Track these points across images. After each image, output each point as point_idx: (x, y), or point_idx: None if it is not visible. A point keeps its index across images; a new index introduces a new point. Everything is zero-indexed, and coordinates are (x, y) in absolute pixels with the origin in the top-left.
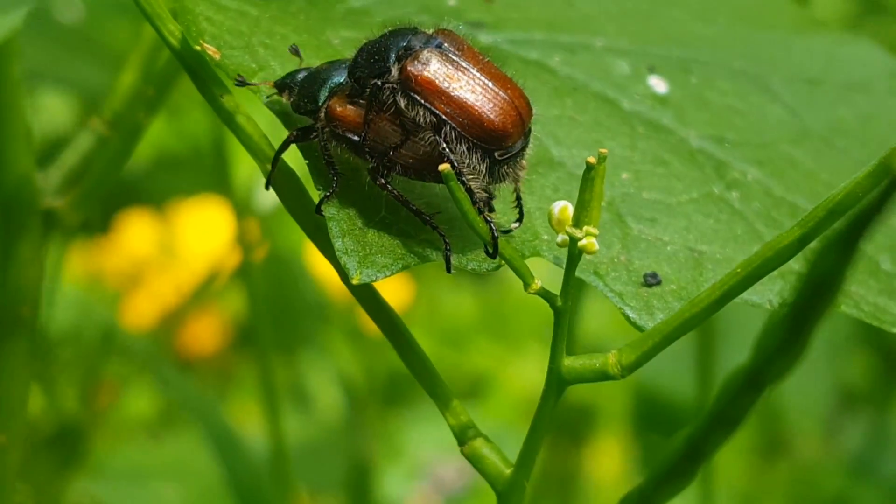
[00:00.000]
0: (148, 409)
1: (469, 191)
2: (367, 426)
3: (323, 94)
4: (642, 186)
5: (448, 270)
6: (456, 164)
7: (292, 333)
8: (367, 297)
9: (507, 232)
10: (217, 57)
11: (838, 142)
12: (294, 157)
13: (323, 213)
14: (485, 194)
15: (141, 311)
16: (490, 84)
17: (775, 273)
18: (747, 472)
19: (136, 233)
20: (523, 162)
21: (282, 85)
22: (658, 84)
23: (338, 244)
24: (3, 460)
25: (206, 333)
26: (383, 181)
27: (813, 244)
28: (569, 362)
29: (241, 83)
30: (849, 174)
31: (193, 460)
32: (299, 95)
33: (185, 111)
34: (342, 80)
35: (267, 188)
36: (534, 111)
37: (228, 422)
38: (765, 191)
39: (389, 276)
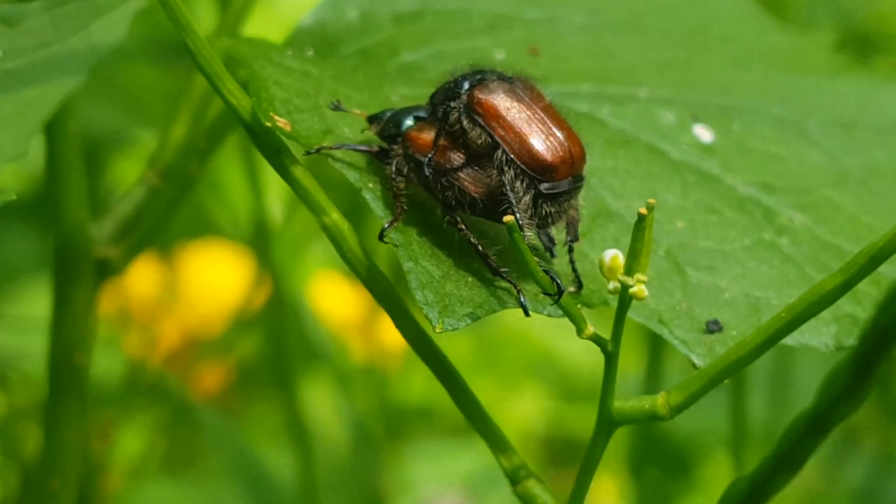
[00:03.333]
0: (138, 449)
1: (523, 234)
2: (376, 461)
3: (405, 123)
4: (697, 235)
5: (526, 314)
6: (517, 210)
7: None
8: (422, 346)
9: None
10: (288, 129)
11: (875, 184)
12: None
13: (387, 241)
14: (544, 241)
15: (147, 352)
16: (546, 120)
17: (829, 317)
18: None
19: (142, 275)
20: (573, 206)
21: (373, 117)
22: (703, 133)
23: (419, 296)
24: None
25: (210, 373)
26: (454, 218)
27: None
28: (619, 404)
29: (312, 152)
30: (887, 215)
31: (217, 498)
32: (387, 123)
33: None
34: (423, 114)
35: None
36: (587, 160)
37: (261, 460)
38: (811, 235)
39: (470, 323)
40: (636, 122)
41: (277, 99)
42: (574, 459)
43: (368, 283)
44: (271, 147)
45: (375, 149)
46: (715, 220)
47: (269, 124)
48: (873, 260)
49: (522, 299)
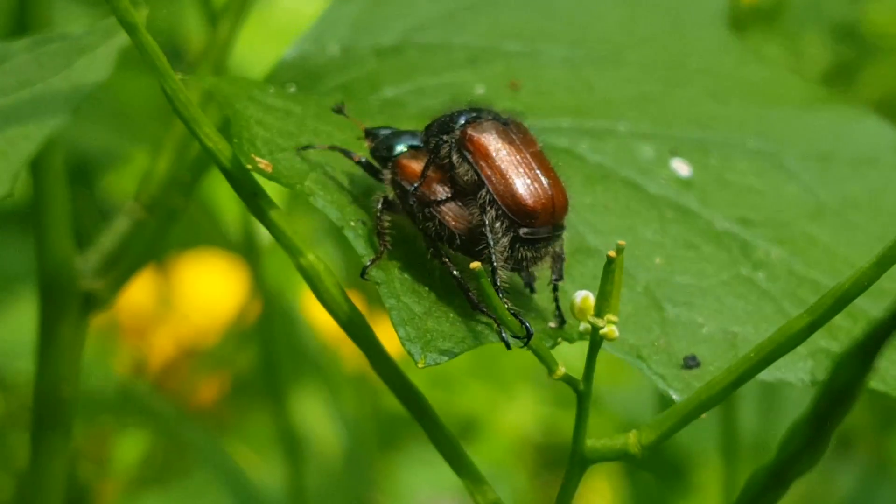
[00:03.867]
0: (131, 461)
1: (496, 275)
2: (369, 469)
3: (398, 147)
4: (675, 271)
5: (507, 348)
6: (494, 250)
7: (289, 379)
8: (399, 386)
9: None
10: (269, 170)
11: (851, 216)
12: None
13: (369, 279)
14: (525, 278)
15: (140, 364)
16: (534, 165)
17: (805, 352)
18: None
19: (136, 287)
20: (553, 250)
21: (370, 132)
22: (681, 167)
23: (401, 333)
24: None
25: (205, 385)
26: (437, 250)
27: (847, 322)
28: (591, 443)
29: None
30: (864, 248)
31: None
32: (380, 144)
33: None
34: (417, 142)
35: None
36: (568, 209)
37: (246, 473)
38: (788, 269)
39: (452, 358)
40: (615, 156)
41: (259, 139)
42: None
43: (344, 325)
44: (247, 190)
45: (359, 158)
46: (692, 256)
47: (249, 167)
48: (840, 301)
49: (504, 335)
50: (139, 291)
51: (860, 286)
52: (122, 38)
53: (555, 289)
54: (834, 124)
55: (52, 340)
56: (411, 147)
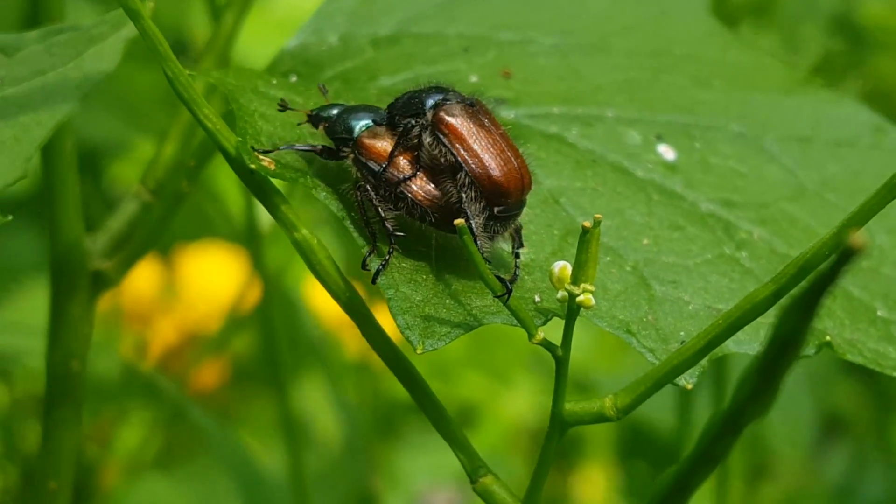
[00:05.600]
0: (134, 445)
1: (477, 242)
2: (368, 456)
3: (357, 127)
4: (661, 251)
5: (494, 295)
6: (472, 219)
7: (290, 366)
8: (388, 354)
9: (513, 281)
10: (272, 168)
11: (830, 196)
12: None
13: (369, 269)
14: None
15: (145, 351)
16: (504, 147)
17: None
18: (733, 498)
19: (140, 275)
20: (515, 224)
21: (317, 117)
22: (667, 152)
23: (399, 321)
24: None
25: (206, 371)
26: (365, 189)
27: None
28: (570, 406)
29: (258, 150)
30: None
31: (210, 494)
32: (336, 123)
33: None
34: (377, 119)
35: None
36: (533, 185)
37: (253, 458)
38: (770, 248)
39: (449, 342)
40: (603, 142)
41: (264, 133)
42: (566, 451)
43: (338, 297)
44: (245, 169)
45: (319, 148)
46: (678, 237)
47: (253, 167)
48: (803, 270)
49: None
50: (143, 280)
51: (822, 256)
52: (129, 29)
53: (517, 256)
54: (813, 108)
55: (62, 318)
56: (371, 125)
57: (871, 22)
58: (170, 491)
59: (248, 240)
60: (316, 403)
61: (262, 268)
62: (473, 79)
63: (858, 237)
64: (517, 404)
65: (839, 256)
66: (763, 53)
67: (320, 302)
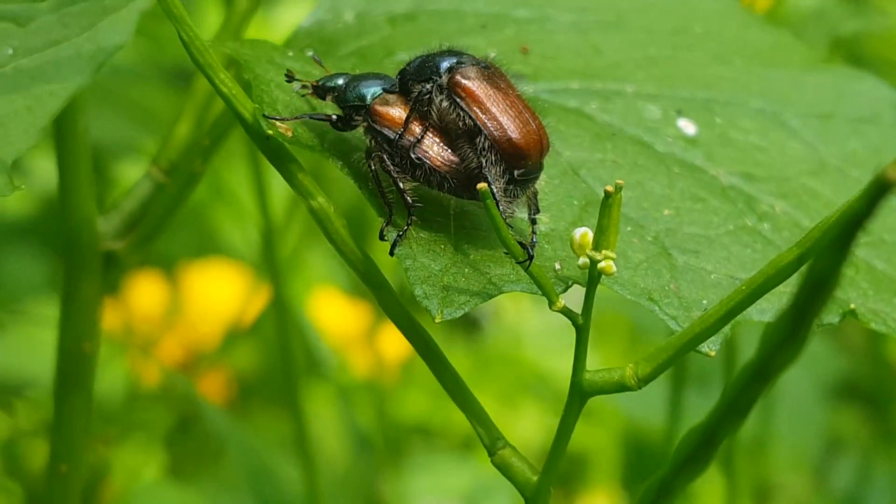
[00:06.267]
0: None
1: (500, 206)
2: (376, 474)
3: (369, 94)
4: (683, 221)
5: (516, 261)
6: (493, 184)
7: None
8: (401, 319)
9: (532, 246)
10: (290, 134)
11: (852, 172)
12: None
13: (387, 240)
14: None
15: (150, 368)
16: (521, 109)
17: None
18: None
19: (145, 292)
20: (532, 188)
21: (323, 87)
22: (687, 126)
23: (418, 291)
24: (64, 487)
25: (210, 388)
26: (380, 157)
27: None
28: (589, 376)
29: (271, 118)
30: None
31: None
32: (347, 91)
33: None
34: (388, 86)
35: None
36: (553, 156)
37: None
38: (792, 221)
39: (468, 310)
40: (622, 116)
41: (280, 102)
42: (570, 475)
43: (354, 266)
44: (261, 134)
45: (333, 117)
46: (700, 208)
47: (270, 132)
48: (826, 234)
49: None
50: (148, 297)
51: (847, 220)
52: (143, 1)
53: (533, 222)
54: (835, 85)
55: (74, 298)
56: (382, 92)
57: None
58: (179, 499)
59: (264, 256)
60: (321, 421)
61: (276, 283)
62: (492, 54)
63: (894, 169)
64: (524, 427)
65: (875, 190)
66: (783, 32)
67: (326, 320)
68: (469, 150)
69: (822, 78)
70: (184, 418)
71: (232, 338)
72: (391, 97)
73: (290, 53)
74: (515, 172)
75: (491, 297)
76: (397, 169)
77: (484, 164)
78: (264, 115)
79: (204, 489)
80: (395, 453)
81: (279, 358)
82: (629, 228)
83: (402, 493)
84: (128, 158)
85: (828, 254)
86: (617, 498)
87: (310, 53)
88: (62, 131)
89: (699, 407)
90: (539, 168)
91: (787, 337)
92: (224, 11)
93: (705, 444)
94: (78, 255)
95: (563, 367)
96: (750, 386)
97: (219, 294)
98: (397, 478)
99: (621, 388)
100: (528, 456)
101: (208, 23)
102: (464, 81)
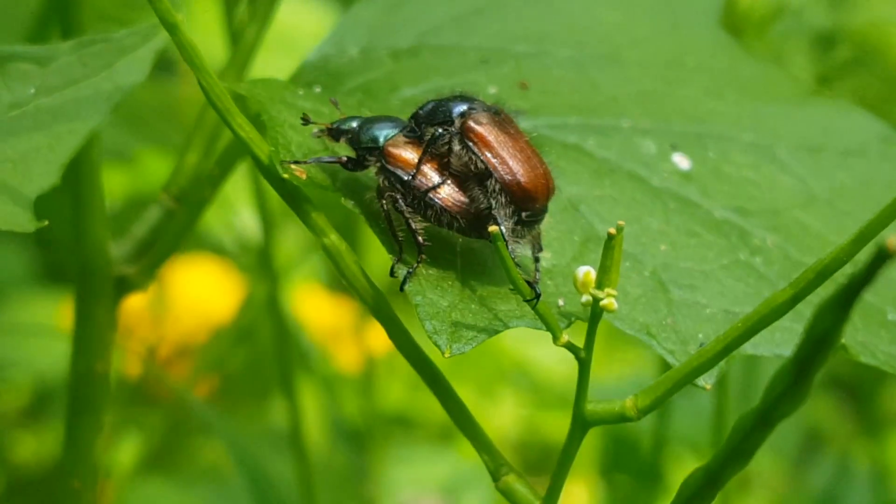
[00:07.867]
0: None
1: (509, 247)
2: (362, 467)
3: (382, 136)
4: (679, 256)
5: (524, 300)
6: (503, 224)
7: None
8: (413, 355)
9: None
10: (304, 177)
11: (841, 205)
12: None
13: (398, 276)
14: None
15: (139, 363)
16: (530, 154)
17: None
18: None
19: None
20: (538, 229)
21: (338, 130)
22: (681, 161)
23: (428, 326)
24: None
25: (197, 384)
26: (393, 198)
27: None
28: (591, 406)
29: (286, 162)
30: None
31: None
32: (361, 133)
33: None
34: (399, 129)
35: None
36: (557, 191)
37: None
38: (783, 255)
39: (476, 346)
40: (620, 152)
41: (294, 143)
42: (547, 465)
43: (365, 301)
44: (276, 176)
45: (344, 159)
46: (695, 243)
47: (286, 176)
48: (820, 275)
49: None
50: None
51: (839, 261)
52: (159, 41)
53: (536, 260)
54: (823, 118)
55: (87, 321)
56: (394, 134)
57: (856, 38)
58: (173, 495)
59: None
60: (306, 414)
61: (272, 280)
62: (492, 90)
63: (894, 241)
64: (502, 418)
65: (875, 258)
66: (770, 66)
67: (309, 315)
68: (479, 192)
69: (811, 111)
70: (171, 414)
71: (219, 334)
72: (403, 139)
73: (301, 92)
74: (523, 214)
75: (497, 332)
76: (409, 209)
77: (494, 205)
78: (281, 162)
79: (193, 484)
80: (377, 445)
81: (265, 353)
82: (628, 263)
83: (380, 486)
84: (111, 154)
85: (829, 314)
86: (595, 487)
87: (332, 100)
88: (76, 159)
89: (677, 397)
90: (545, 210)
91: (790, 388)
92: (230, 48)
93: (709, 486)
94: (91, 280)
95: (541, 355)
96: (753, 432)
97: (205, 289)
98: (381, 470)
99: (622, 418)
100: (504, 447)
101: (202, 21)
102: (476, 127)
